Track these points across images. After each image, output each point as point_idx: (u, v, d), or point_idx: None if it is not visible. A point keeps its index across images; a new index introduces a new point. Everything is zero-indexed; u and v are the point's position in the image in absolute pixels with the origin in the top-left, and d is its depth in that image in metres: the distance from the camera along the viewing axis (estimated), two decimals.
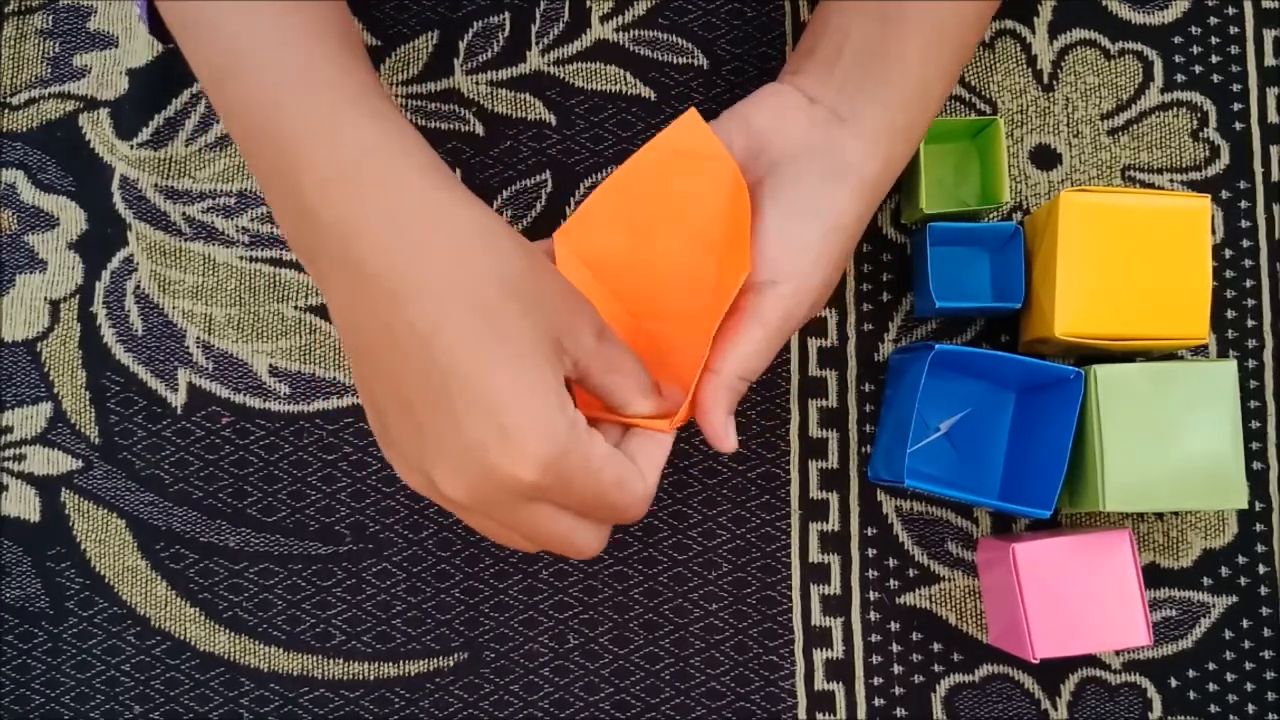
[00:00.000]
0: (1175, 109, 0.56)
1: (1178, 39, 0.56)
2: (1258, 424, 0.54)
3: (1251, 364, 0.55)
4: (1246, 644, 0.53)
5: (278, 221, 0.40)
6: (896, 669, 0.53)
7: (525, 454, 0.36)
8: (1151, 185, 0.56)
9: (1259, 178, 0.56)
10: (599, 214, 0.47)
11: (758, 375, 0.44)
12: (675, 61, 0.56)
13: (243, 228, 0.55)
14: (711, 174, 0.44)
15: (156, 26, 0.48)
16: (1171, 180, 0.56)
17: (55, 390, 0.54)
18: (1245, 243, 0.55)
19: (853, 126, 0.45)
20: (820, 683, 0.53)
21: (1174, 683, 0.53)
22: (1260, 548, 0.54)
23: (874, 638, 0.53)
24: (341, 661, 0.53)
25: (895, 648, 0.54)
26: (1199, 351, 0.55)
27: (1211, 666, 0.53)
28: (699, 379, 0.43)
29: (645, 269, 0.47)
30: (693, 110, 0.45)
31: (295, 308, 0.55)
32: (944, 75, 0.46)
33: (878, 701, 0.53)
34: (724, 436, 0.44)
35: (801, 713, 0.53)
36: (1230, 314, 0.55)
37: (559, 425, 0.37)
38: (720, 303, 0.43)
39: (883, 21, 0.45)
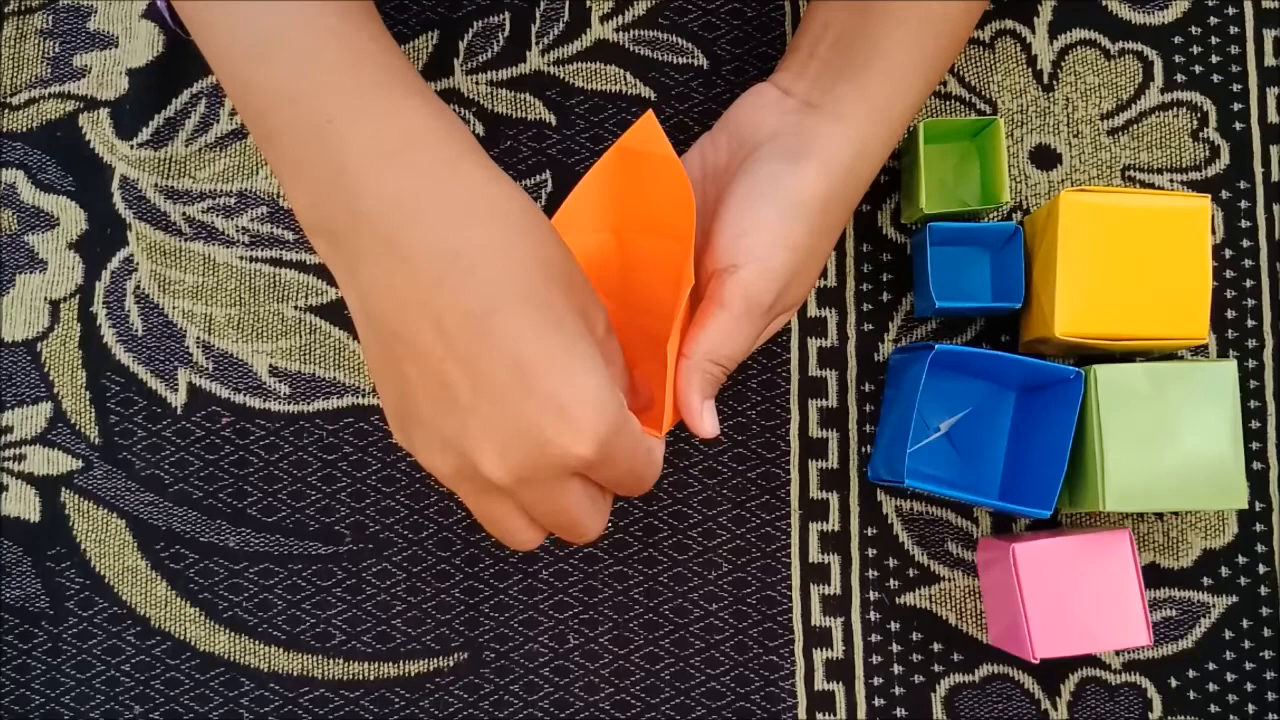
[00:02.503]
0: (1175, 109, 0.56)
1: (1178, 39, 0.56)
2: (1258, 424, 0.54)
3: (1251, 364, 0.55)
4: (1246, 644, 0.53)
5: (302, 207, 0.39)
6: (896, 669, 0.53)
7: (584, 431, 0.37)
8: (1151, 185, 0.56)
9: (1259, 178, 0.56)
10: (577, 214, 0.47)
11: (732, 359, 0.44)
12: (675, 61, 0.56)
13: (243, 228, 0.55)
14: (665, 177, 0.45)
15: (175, 18, 0.48)
16: (1171, 180, 0.56)
17: (55, 390, 0.54)
18: (1245, 243, 0.55)
19: (824, 111, 0.46)
20: (820, 683, 0.53)
21: (1174, 683, 0.53)
22: (1260, 548, 0.54)
23: (874, 638, 0.53)
24: (341, 661, 0.53)
25: (895, 648, 0.54)
26: (1199, 351, 0.55)
27: (1211, 666, 0.53)
28: (674, 367, 0.44)
29: (628, 265, 0.47)
30: (650, 113, 0.45)
31: (295, 308, 0.55)
32: (925, 67, 0.46)
33: (878, 701, 0.53)
34: (699, 419, 0.44)
35: (801, 713, 0.53)
36: (1230, 314, 0.55)
37: (612, 403, 0.38)
38: (675, 307, 0.44)
39: (864, 15, 0.46)
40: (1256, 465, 0.54)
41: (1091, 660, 0.53)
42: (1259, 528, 0.54)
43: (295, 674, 0.53)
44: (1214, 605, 0.54)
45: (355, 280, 0.39)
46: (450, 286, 0.36)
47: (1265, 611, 0.54)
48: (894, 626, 0.54)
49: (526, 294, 0.37)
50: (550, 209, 0.55)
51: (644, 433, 0.41)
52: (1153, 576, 0.54)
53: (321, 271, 0.55)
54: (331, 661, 0.53)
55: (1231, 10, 0.56)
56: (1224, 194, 0.56)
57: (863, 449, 0.54)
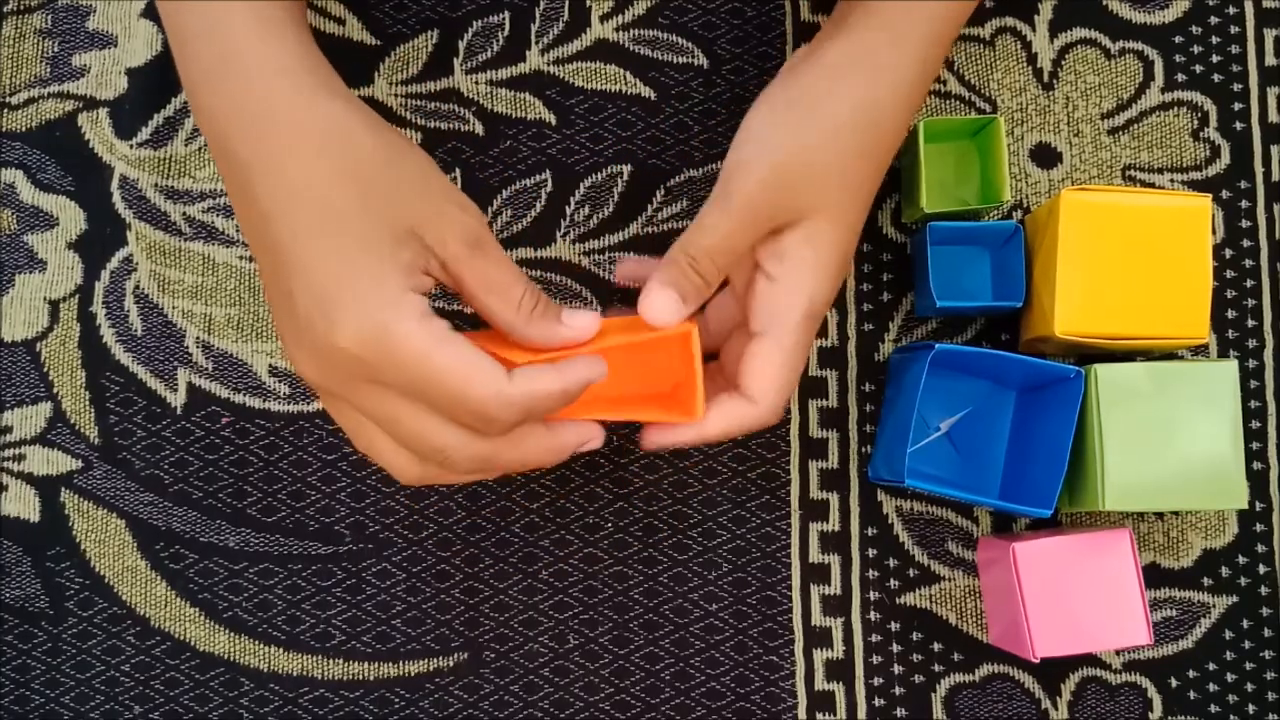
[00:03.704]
0: (1176, 108, 0.56)
1: (1178, 38, 0.56)
2: (1258, 424, 0.54)
3: (1252, 364, 0.55)
4: (1247, 644, 0.53)
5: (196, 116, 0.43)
6: (897, 669, 0.53)
7: (341, 326, 0.38)
8: (1152, 185, 0.56)
9: (1259, 177, 0.56)
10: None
11: (703, 250, 0.43)
12: (675, 61, 0.56)
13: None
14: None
15: None
16: (1172, 180, 0.56)
17: (55, 390, 0.54)
18: (1246, 242, 0.55)
19: (824, 33, 0.46)
20: (820, 683, 0.53)
21: (1174, 683, 0.53)
22: (1260, 548, 0.54)
23: (874, 638, 0.53)
24: (341, 662, 0.53)
25: (895, 648, 0.53)
26: (1199, 351, 0.55)
27: (1212, 666, 0.53)
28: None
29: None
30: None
31: None
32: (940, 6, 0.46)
33: (878, 701, 0.53)
34: (651, 300, 0.43)
35: (802, 713, 0.53)
36: (1231, 314, 0.55)
37: (374, 299, 0.39)
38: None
39: None
40: (1257, 465, 0.54)
41: (1092, 660, 0.53)
42: (1259, 528, 0.54)
43: (295, 674, 0.53)
44: (1214, 605, 0.54)
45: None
46: (251, 192, 0.40)
47: (1265, 612, 0.54)
48: (894, 626, 0.54)
49: (309, 197, 0.39)
50: (550, 209, 0.55)
51: (456, 345, 0.39)
52: (1153, 576, 0.54)
53: None
54: (331, 662, 0.53)
55: (1232, 10, 0.56)
56: (1224, 194, 0.55)
57: (863, 449, 0.54)
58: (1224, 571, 0.54)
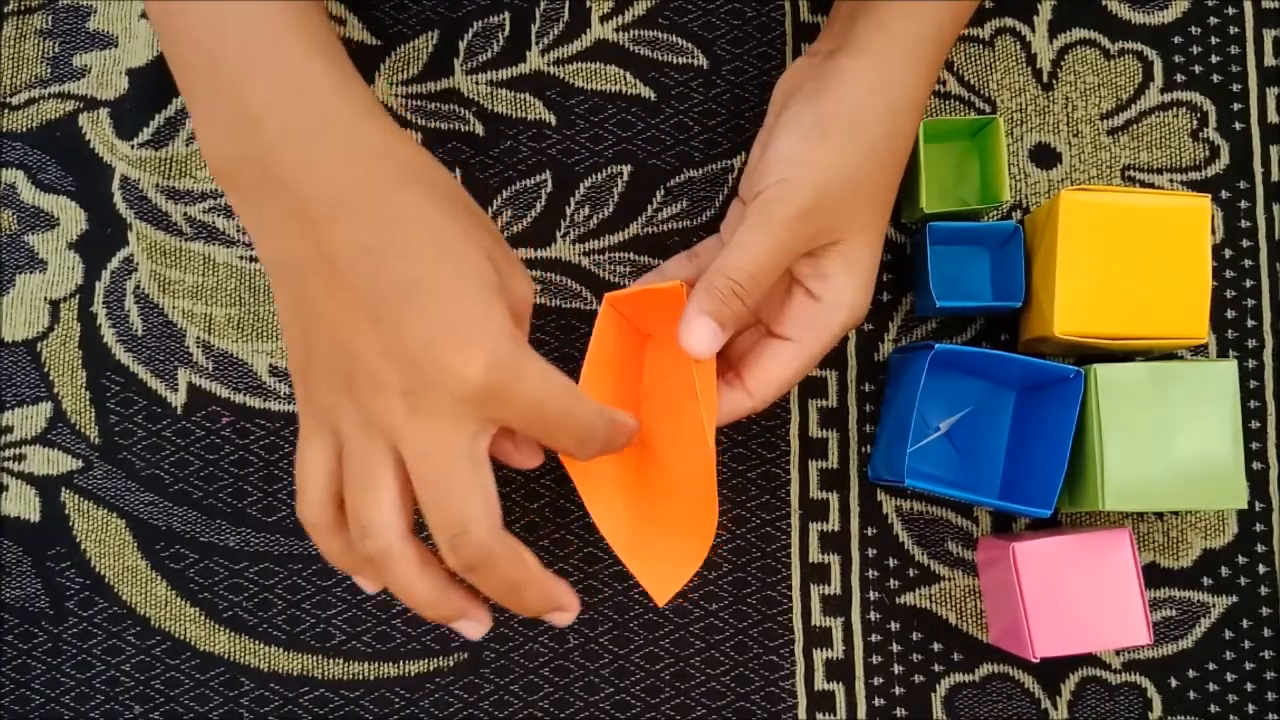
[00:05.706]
0: (1175, 109, 0.56)
1: (1177, 39, 0.56)
2: (1258, 424, 0.54)
3: (1251, 364, 0.55)
4: (1246, 644, 0.53)
5: (211, 155, 0.40)
6: (897, 669, 0.53)
7: (471, 350, 0.37)
8: (1151, 185, 0.56)
9: (1259, 178, 0.56)
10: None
11: (742, 271, 0.43)
12: (675, 61, 0.56)
13: (243, 227, 0.55)
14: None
15: None
16: (1171, 180, 0.56)
17: (55, 390, 0.54)
18: (1245, 243, 0.55)
19: (843, 51, 0.46)
20: (820, 683, 0.53)
21: (1174, 683, 0.53)
22: (1260, 548, 0.54)
23: (874, 637, 0.53)
24: (341, 661, 0.53)
25: (895, 647, 0.53)
26: (1199, 351, 0.55)
27: (1211, 666, 0.53)
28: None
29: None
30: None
31: None
32: (946, 7, 0.46)
33: (878, 701, 0.53)
34: (687, 328, 0.43)
35: (802, 712, 0.53)
36: (1230, 314, 0.55)
37: (504, 328, 0.38)
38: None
39: None
40: (1256, 465, 0.54)
41: (1092, 660, 0.53)
42: (1259, 528, 0.54)
43: (295, 674, 0.53)
44: (1214, 605, 0.54)
45: (257, 227, 0.40)
46: (342, 225, 0.38)
47: (1265, 611, 0.54)
48: (894, 626, 0.54)
49: (418, 226, 0.38)
50: (550, 209, 0.55)
51: (558, 381, 0.40)
52: (1153, 576, 0.54)
53: None
54: (331, 661, 0.53)
55: (1231, 10, 0.56)
56: (1224, 194, 0.56)
57: (863, 449, 0.54)
58: (1224, 571, 0.54)
